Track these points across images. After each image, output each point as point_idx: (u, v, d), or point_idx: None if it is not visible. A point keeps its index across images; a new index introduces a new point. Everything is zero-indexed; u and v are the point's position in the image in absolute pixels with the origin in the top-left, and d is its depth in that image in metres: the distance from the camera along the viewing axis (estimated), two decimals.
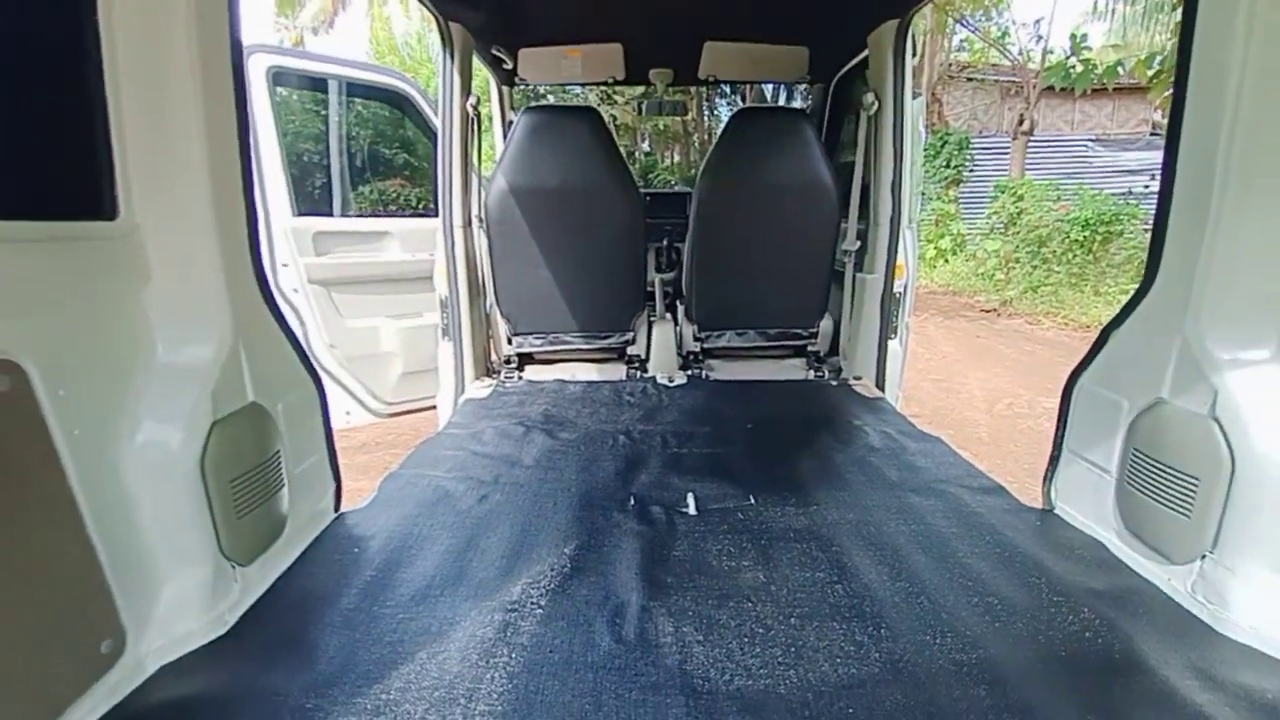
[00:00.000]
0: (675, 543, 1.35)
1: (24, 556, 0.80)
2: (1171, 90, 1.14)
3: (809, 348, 2.76)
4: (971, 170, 11.39)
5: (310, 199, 3.33)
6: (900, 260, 2.43)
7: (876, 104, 2.32)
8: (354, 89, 3.44)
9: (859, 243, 2.54)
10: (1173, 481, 1.14)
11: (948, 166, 11.45)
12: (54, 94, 0.91)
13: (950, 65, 12.77)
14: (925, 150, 11.64)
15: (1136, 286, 1.25)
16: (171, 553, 1.01)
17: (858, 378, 2.57)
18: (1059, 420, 1.45)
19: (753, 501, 1.53)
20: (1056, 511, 1.46)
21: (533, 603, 1.12)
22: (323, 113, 3.44)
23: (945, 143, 11.53)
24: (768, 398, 2.37)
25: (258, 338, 1.18)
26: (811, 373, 2.71)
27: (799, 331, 2.70)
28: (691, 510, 1.49)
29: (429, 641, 1.03)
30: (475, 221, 2.53)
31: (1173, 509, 1.14)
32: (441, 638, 1.03)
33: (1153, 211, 1.21)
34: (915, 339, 6.72)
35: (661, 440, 1.91)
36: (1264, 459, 1.01)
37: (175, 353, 1.04)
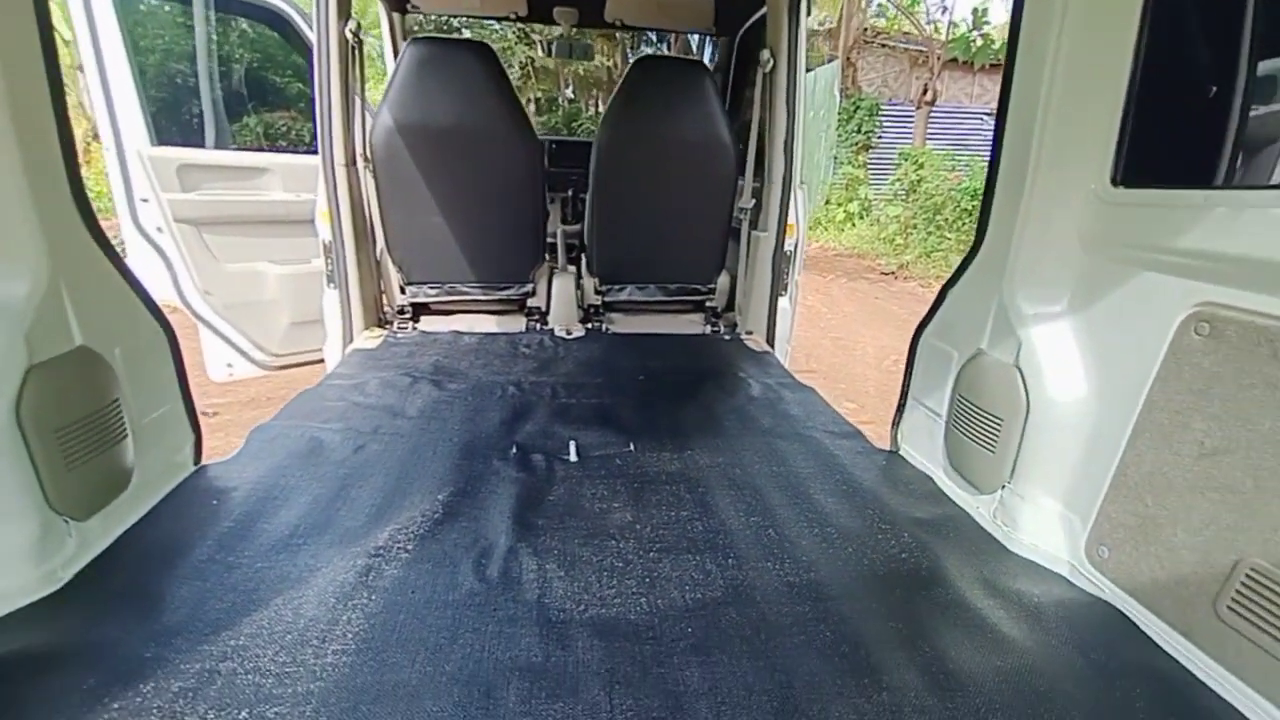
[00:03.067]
0: (552, 488, 1.39)
1: None
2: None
3: (707, 303, 2.84)
4: (880, 136, 11.84)
5: (180, 128, 3.01)
6: (791, 220, 2.52)
7: (771, 61, 2.35)
8: (227, 4, 3.08)
9: (754, 200, 2.61)
10: (984, 422, 1.30)
11: (859, 132, 11.84)
12: None
13: (866, 31, 13.05)
14: (839, 114, 11.96)
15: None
16: None
17: (749, 332, 2.69)
18: (905, 371, 1.60)
19: (632, 448, 1.59)
20: (901, 453, 1.62)
21: (399, 547, 1.14)
22: (185, 30, 3.07)
23: (858, 108, 11.88)
24: (662, 351, 2.44)
25: (84, 275, 1.08)
26: (708, 328, 2.80)
27: (697, 287, 2.77)
28: (573, 457, 1.54)
29: (285, 588, 1.02)
30: (361, 160, 2.39)
31: (983, 446, 1.30)
32: (299, 584, 1.03)
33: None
34: (820, 299, 7.07)
35: (551, 391, 1.94)
36: (1050, 402, 1.17)
37: None
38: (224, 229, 2.84)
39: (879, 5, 13.00)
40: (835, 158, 11.90)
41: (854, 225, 10.88)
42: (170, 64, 3.09)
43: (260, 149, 3.24)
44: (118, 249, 1.18)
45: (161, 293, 2.78)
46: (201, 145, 3.02)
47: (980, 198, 1.35)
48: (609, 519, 1.28)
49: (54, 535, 1.02)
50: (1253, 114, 1.01)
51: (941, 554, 1.20)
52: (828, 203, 11.66)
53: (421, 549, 1.14)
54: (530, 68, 13.44)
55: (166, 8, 3.09)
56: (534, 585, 1.06)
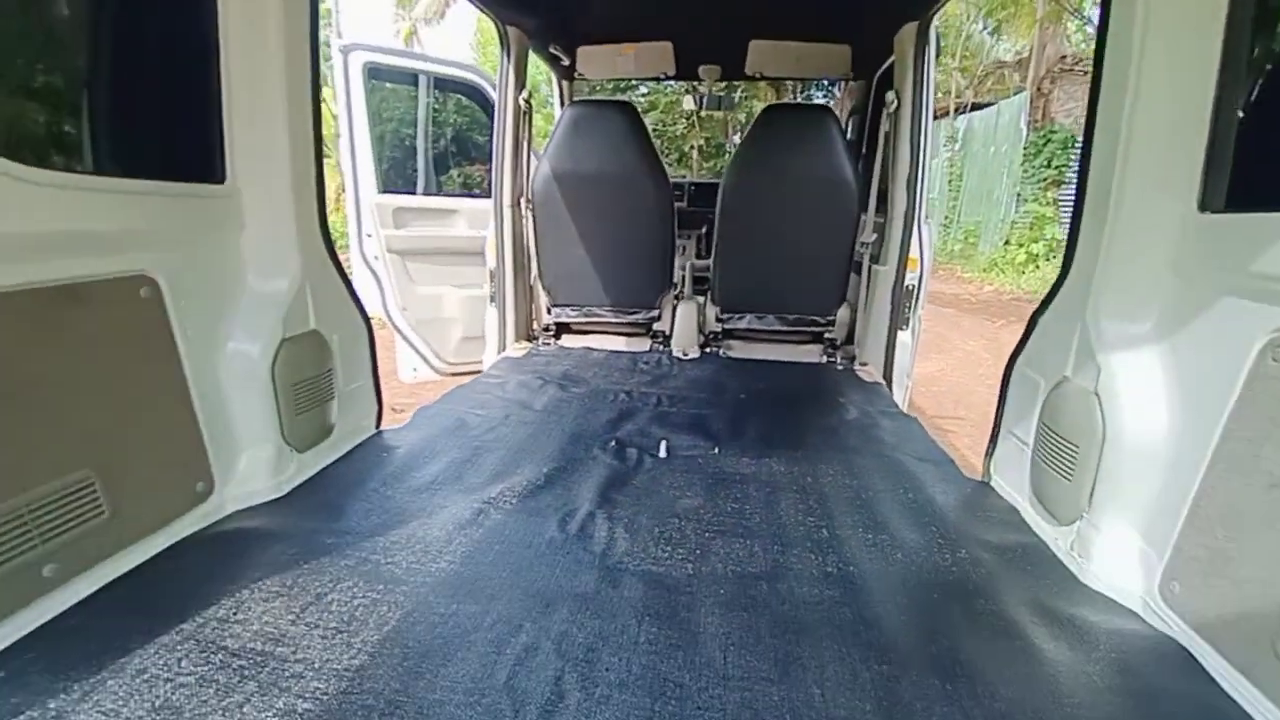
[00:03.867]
0: (638, 475, 1.60)
1: (150, 415, 1.18)
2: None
3: (826, 334, 2.90)
4: (1074, 171, 10.62)
5: (401, 179, 3.84)
6: (914, 254, 2.52)
7: (896, 102, 2.42)
8: (440, 83, 3.88)
9: (875, 235, 2.65)
10: (1062, 450, 1.27)
11: (1048, 166, 10.75)
12: (186, 92, 1.29)
13: (1066, 58, 11.90)
14: (1026, 149, 10.95)
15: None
16: (248, 431, 1.39)
17: (864, 364, 2.69)
18: (999, 400, 1.58)
19: (717, 451, 1.75)
20: (991, 484, 1.59)
21: (505, 500, 1.42)
22: (413, 103, 3.92)
23: (1048, 141, 10.82)
24: (770, 375, 2.56)
25: (320, 280, 1.55)
26: (825, 358, 2.85)
27: (816, 318, 2.85)
28: (662, 454, 1.74)
29: (422, 516, 1.35)
30: (523, 202, 2.87)
31: (1061, 475, 1.27)
32: (431, 514, 1.35)
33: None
34: (984, 344, 6.52)
35: (657, 400, 2.16)
36: (1127, 430, 1.14)
37: (260, 283, 1.42)
38: (421, 258, 3.52)
39: (1079, 30, 11.82)
40: (1019, 195, 10.90)
41: (1037, 267, 9.82)
42: (400, 130, 3.95)
43: (447, 194, 3.94)
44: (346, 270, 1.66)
45: (372, 307, 3.53)
46: (414, 192, 3.82)
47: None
48: (679, 504, 1.46)
49: (283, 459, 1.45)
50: None
51: (999, 574, 1.20)
52: (1007, 243, 10.67)
53: (522, 504, 1.41)
54: (696, 117, 14.23)
55: (400, 87, 3.95)
56: (602, 541, 1.28)
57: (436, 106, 4.07)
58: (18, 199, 0.93)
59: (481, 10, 2.45)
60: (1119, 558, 1.15)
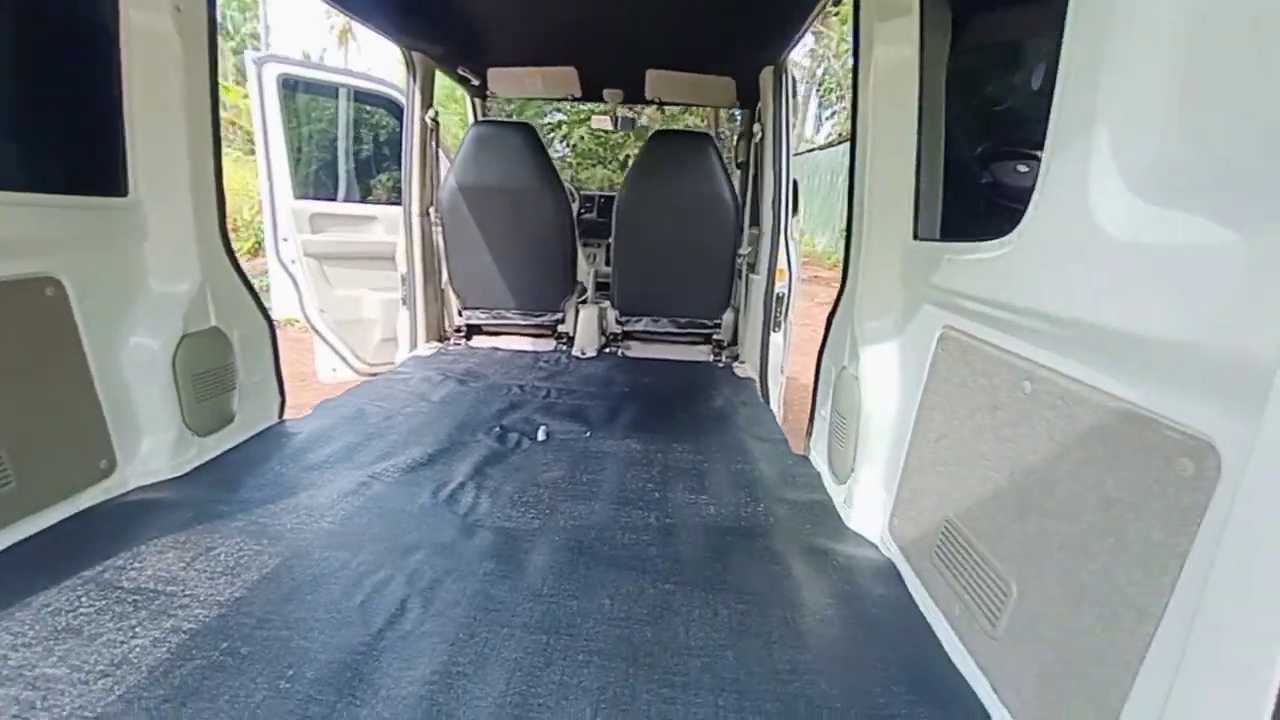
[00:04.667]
0: (513, 455, 1.85)
1: (56, 400, 1.35)
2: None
3: (714, 336, 3.23)
4: None
5: (320, 185, 3.96)
6: (781, 265, 2.88)
7: (760, 133, 2.78)
8: (360, 96, 4.02)
9: (750, 248, 3.01)
10: (841, 424, 1.60)
11: None
12: (88, 110, 1.46)
13: None
14: None
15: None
16: (150, 417, 1.56)
17: (742, 362, 3.04)
18: (814, 388, 1.92)
19: (589, 434, 2.02)
20: (810, 456, 1.93)
21: (388, 475, 1.64)
22: (331, 114, 4.04)
23: None
24: (655, 371, 2.86)
25: (220, 281, 1.72)
26: (712, 356, 3.18)
27: (704, 321, 3.18)
28: (540, 438, 2.00)
29: (311, 488, 1.55)
30: (432, 212, 3.07)
31: (840, 443, 1.61)
32: (319, 487, 1.56)
33: None
34: None
35: (546, 393, 2.42)
36: (873, 405, 1.48)
37: (161, 285, 1.59)
38: (339, 262, 3.66)
39: None
40: None
41: None
42: (320, 138, 4.06)
43: (371, 201, 4.08)
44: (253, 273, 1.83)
45: (290, 309, 3.63)
46: (334, 198, 3.94)
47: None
48: (542, 476, 1.71)
49: (184, 442, 1.62)
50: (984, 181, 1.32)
51: (784, 522, 1.51)
52: None
53: (403, 477, 1.64)
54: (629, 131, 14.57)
55: (318, 99, 4.05)
56: (466, 505, 1.52)
57: (358, 118, 4.22)
58: None
59: (385, 38, 2.65)
60: (869, 505, 1.48)
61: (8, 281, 1.24)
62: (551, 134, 12.69)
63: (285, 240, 3.52)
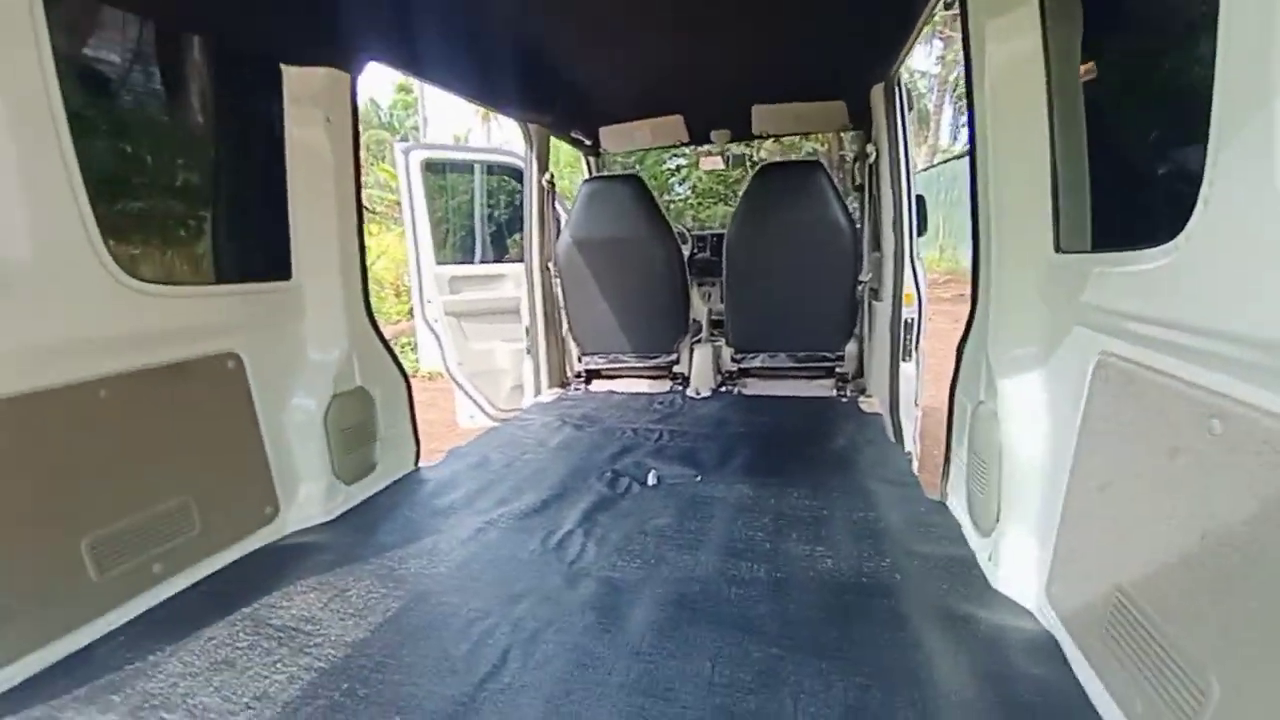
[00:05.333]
0: (623, 501, 1.85)
1: (234, 455, 1.57)
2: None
3: (836, 369, 3.04)
4: None
5: (459, 250, 4.41)
6: (909, 290, 2.65)
7: (875, 153, 2.62)
8: (490, 168, 4.45)
9: (871, 273, 2.81)
10: (980, 467, 1.40)
11: None
12: (265, 218, 1.74)
13: None
14: None
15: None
16: (307, 468, 1.77)
17: (869, 395, 2.81)
18: (947, 425, 1.70)
19: (698, 479, 1.97)
20: (947, 503, 1.70)
21: (503, 521, 1.71)
22: (469, 186, 4.51)
23: None
24: (774, 409, 2.73)
25: (364, 349, 1.94)
26: (835, 391, 2.99)
27: (825, 354, 3.01)
28: (650, 482, 1.97)
29: (434, 533, 1.65)
30: (550, 266, 3.25)
31: (980, 490, 1.40)
32: (441, 532, 1.66)
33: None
34: None
35: (659, 435, 2.40)
36: (1016, 446, 1.27)
37: (317, 355, 1.82)
38: (474, 318, 3.99)
39: None
40: None
41: None
42: (458, 210, 4.54)
43: (496, 260, 4.43)
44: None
45: (434, 363, 4.01)
46: (472, 261, 4.36)
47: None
48: (650, 523, 1.68)
49: (334, 489, 1.82)
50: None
51: (914, 579, 1.34)
52: None
53: (516, 523, 1.69)
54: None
55: (458, 175, 4.54)
56: (574, 553, 1.53)
57: (491, 187, 4.66)
58: (143, 306, 1.35)
59: (502, 114, 2.90)
60: (1020, 563, 1.26)
61: (201, 359, 1.49)
62: (672, 178, 13.08)
63: (430, 302, 3.91)
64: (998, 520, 1.34)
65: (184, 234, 1.68)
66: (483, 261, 4.45)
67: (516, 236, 5.07)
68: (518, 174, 4.40)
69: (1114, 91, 1.23)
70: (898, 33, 2.14)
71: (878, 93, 2.56)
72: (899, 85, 2.52)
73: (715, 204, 12.73)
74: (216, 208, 1.69)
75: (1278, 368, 0.67)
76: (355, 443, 1.88)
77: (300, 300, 1.80)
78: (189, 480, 1.44)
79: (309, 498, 1.76)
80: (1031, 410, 1.27)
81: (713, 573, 1.40)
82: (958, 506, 1.63)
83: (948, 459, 1.72)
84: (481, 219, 4.60)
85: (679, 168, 12.99)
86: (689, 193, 13.28)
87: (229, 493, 1.55)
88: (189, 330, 1.47)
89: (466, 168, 4.47)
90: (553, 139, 3.37)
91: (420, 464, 2.21)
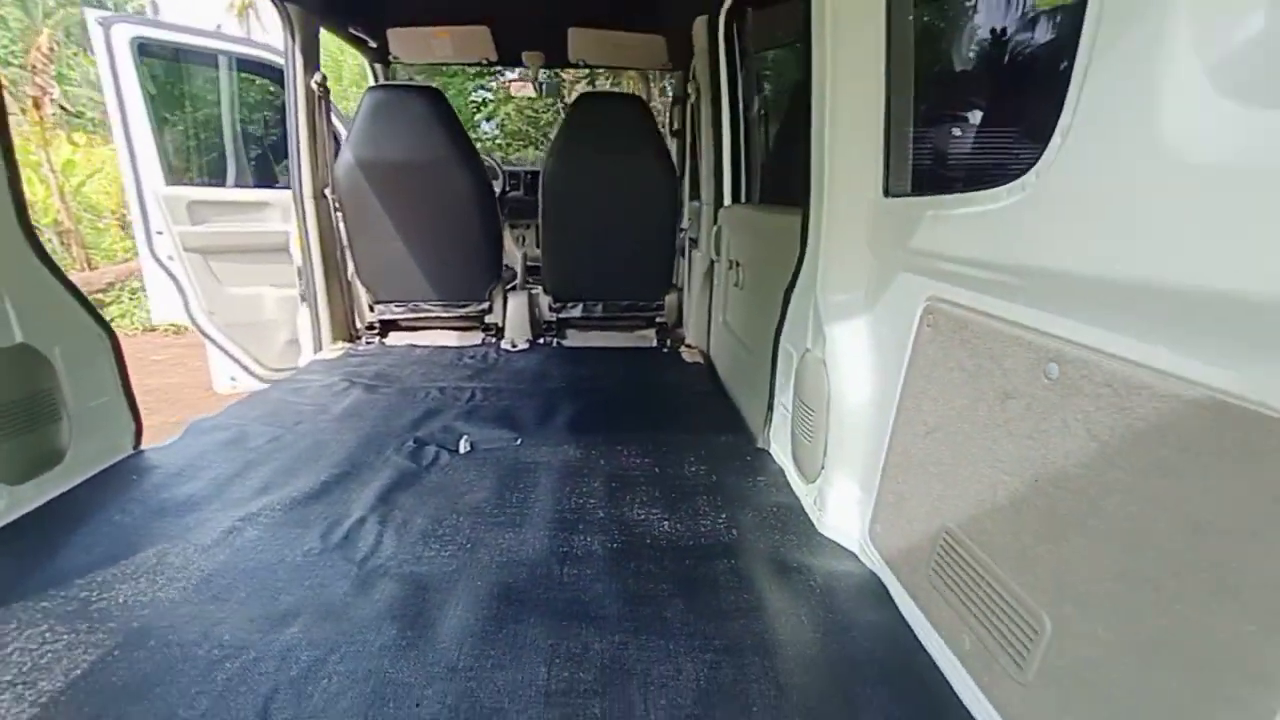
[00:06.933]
0: (430, 474, 1.56)
1: None
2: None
3: (657, 319, 2.99)
4: None
5: (201, 169, 3.46)
6: None
7: (695, 93, 2.53)
8: (245, 65, 3.51)
9: (691, 222, 2.77)
10: (807, 415, 1.40)
11: None
12: None
13: None
14: None
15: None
16: None
17: (690, 345, 2.82)
18: (770, 374, 1.70)
19: (519, 443, 1.75)
20: (770, 451, 1.72)
21: (265, 516, 1.33)
22: (215, 89, 3.53)
23: None
24: (597, 361, 2.60)
25: (27, 290, 1.34)
26: (657, 341, 2.95)
27: (644, 304, 2.93)
28: (463, 449, 1.71)
29: (160, 542, 1.22)
30: (328, 194, 2.68)
31: (806, 437, 1.40)
32: (171, 540, 1.23)
33: None
34: None
35: (471, 394, 2.12)
36: (843, 393, 1.27)
37: None
38: (229, 256, 3.19)
39: None
40: None
41: None
42: (197, 116, 3.54)
43: (255, 185, 3.61)
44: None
45: (175, 312, 3.16)
46: (223, 183, 3.46)
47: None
48: (464, 499, 1.44)
49: None
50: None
51: (748, 532, 1.30)
52: None
53: (284, 517, 1.33)
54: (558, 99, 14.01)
55: (198, 72, 3.52)
56: (365, 548, 1.23)
57: (249, 98, 3.71)
58: None
59: None
60: (843, 508, 1.29)
61: None
62: (477, 114, 12.01)
63: (159, 233, 3.03)
64: (823, 467, 1.35)
65: None
66: (238, 185, 3.57)
67: (286, 162, 4.17)
68: (273, 74, 3.56)
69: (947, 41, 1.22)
70: None
71: (700, 25, 2.44)
72: (735, 23, 2.42)
73: (525, 147, 12.04)
74: None
75: (1127, 307, 0.66)
76: (20, 424, 1.31)
77: None
78: None
79: None
80: (858, 357, 1.27)
81: (541, 552, 1.22)
82: (780, 454, 1.65)
83: (770, 406, 1.73)
84: (234, 132, 3.65)
85: (485, 101, 11.99)
86: (497, 131, 12.36)
87: None
88: None
89: (209, 62, 3.47)
90: (327, 35, 2.72)
91: (143, 445, 1.66)
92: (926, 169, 1.20)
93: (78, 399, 1.47)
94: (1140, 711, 0.61)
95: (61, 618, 1.00)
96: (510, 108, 11.79)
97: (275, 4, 2.38)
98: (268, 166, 3.85)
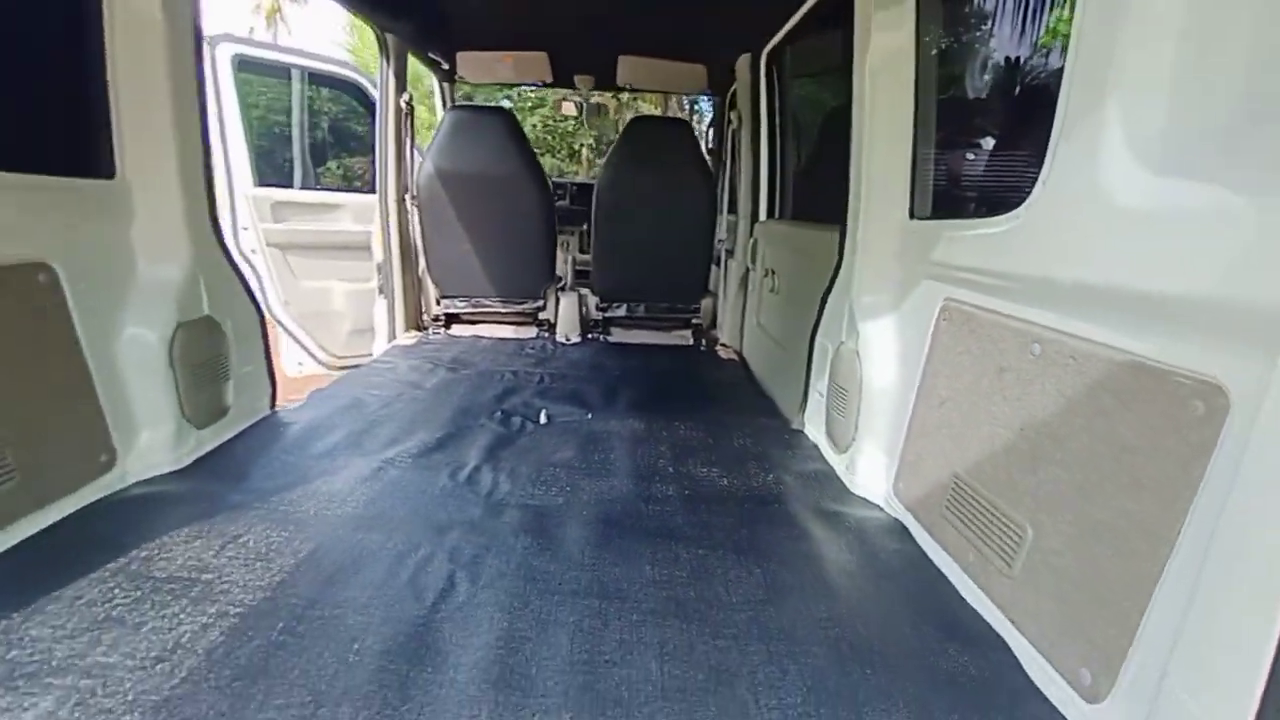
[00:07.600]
0: (521, 438, 1.87)
1: (53, 394, 1.28)
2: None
3: (693, 320, 3.31)
4: None
5: (275, 172, 3.81)
6: None
7: (737, 122, 2.85)
8: (315, 78, 3.87)
9: (729, 234, 3.09)
10: (841, 396, 1.70)
11: None
12: (74, 90, 1.39)
13: None
14: None
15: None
16: (147, 411, 1.50)
17: (724, 345, 3.13)
18: (806, 365, 2.01)
19: (590, 417, 2.06)
20: (805, 431, 2.02)
21: (402, 460, 1.64)
22: (287, 96, 3.87)
23: None
24: (641, 356, 2.91)
25: (212, 271, 1.66)
26: (693, 340, 3.26)
27: (683, 306, 3.25)
28: (543, 421, 2.02)
29: (324, 475, 1.53)
30: (408, 198, 3.01)
31: (839, 415, 1.70)
32: (333, 474, 1.54)
33: None
34: None
35: (539, 378, 2.43)
36: (873, 377, 1.58)
37: (154, 276, 1.52)
38: (303, 252, 3.53)
39: None
40: None
41: None
42: (269, 122, 3.89)
43: (330, 189, 3.95)
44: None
45: None
46: (290, 185, 3.80)
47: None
48: (555, 456, 1.74)
49: (184, 435, 1.57)
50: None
51: (795, 489, 1.60)
52: None
53: (416, 461, 1.64)
54: (584, 118, 14.48)
55: (264, 80, 3.87)
56: (487, 485, 1.54)
57: (313, 100, 4.06)
58: None
59: (358, 16, 2.57)
60: (872, 471, 1.58)
61: (2, 269, 1.18)
62: None
63: (245, 229, 3.37)
64: (854, 439, 1.65)
65: None
66: (304, 188, 3.92)
67: (331, 165, 4.52)
68: (348, 88, 3.92)
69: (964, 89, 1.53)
70: (773, 12, 2.34)
71: (744, 62, 2.77)
72: (776, 64, 2.74)
73: (543, 155, 12.44)
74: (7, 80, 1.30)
75: (1085, 302, 0.96)
76: (206, 381, 1.63)
77: (128, 205, 1.49)
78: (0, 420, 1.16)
79: (152, 444, 1.50)
80: (886, 347, 1.57)
81: (629, 494, 1.52)
82: (814, 432, 1.95)
83: (806, 393, 2.03)
84: (303, 139, 4.01)
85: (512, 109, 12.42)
86: None
87: (53, 437, 1.27)
88: None
89: (282, 73, 3.83)
90: (411, 61, 3.07)
91: (276, 406, 1.98)
92: (944, 199, 1.51)
93: (238, 364, 1.78)
94: (1086, 577, 0.91)
95: (274, 522, 1.31)
96: (536, 119, 12.20)
97: (376, 35, 2.72)
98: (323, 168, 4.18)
